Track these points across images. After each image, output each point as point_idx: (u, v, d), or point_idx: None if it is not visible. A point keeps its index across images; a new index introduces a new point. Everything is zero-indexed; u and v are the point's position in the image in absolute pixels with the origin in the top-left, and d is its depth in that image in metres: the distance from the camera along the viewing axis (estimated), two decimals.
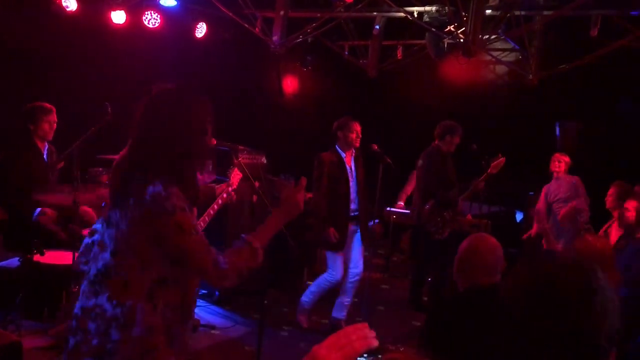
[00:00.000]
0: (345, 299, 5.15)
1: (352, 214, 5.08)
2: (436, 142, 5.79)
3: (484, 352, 2.23)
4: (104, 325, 1.93)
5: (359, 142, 5.06)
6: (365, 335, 1.12)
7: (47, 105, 4.62)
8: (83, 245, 2.31)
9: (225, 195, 4.00)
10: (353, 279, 5.12)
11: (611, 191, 5.32)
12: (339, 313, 5.17)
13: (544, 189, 6.40)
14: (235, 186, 4.17)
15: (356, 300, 5.36)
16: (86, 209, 4.69)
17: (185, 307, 2.05)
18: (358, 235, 5.16)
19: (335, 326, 5.12)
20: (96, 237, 2.10)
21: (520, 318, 1.28)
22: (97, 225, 2.24)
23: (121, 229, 1.97)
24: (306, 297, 5.21)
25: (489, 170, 5.64)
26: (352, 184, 5.06)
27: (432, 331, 2.42)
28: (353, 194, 5.07)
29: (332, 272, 5.04)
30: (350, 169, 5.09)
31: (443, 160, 5.75)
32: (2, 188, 4.51)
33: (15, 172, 4.47)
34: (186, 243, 1.96)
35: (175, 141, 2.03)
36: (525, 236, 6.56)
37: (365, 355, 1.19)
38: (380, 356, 1.23)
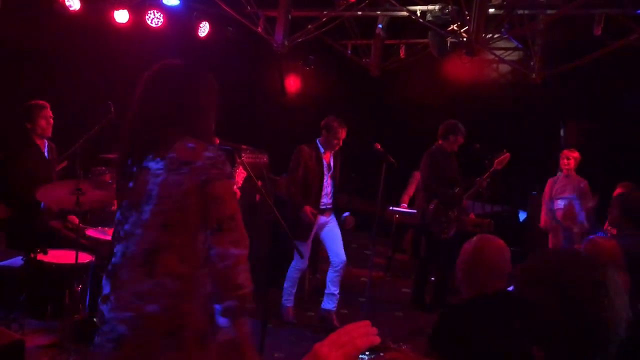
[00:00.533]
0: (333, 289, 5.24)
1: (325, 206, 5.24)
2: (439, 141, 5.80)
3: (495, 357, 2.21)
4: (171, 302, 1.90)
5: (338, 147, 5.22)
6: (367, 333, 1.10)
7: (41, 102, 4.65)
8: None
9: None
10: (337, 268, 5.22)
11: (618, 192, 5.28)
12: (329, 304, 5.26)
13: (550, 182, 6.38)
14: (240, 184, 4.19)
15: (361, 299, 5.36)
16: (72, 218, 4.71)
17: None
18: (335, 226, 5.30)
19: (325, 317, 5.23)
20: (131, 216, 2.01)
21: (530, 307, 1.28)
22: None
23: (173, 199, 1.92)
24: (284, 298, 5.32)
25: (494, 166, 5.65)
26: (327, 179, 5.23)
27: (439, 340, 2.32)
28: (328, 188, 5.24)
29: (299, 259, 5.14)
30: (328, 164, 5.24)
31: (446, 160, 5.77)
32: (5, 187, 4.52)
33: (17, 171, 4.48)
34: (236, 208, 1.98)
35: (192, 111, 2.06)
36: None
37: (367, 352, 1.17)
38: (382, 354, 1.21)
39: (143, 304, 1.91)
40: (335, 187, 5.32)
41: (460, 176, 5.87)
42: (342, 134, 5.14)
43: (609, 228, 5.14)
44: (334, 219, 5.33)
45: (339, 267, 5.22)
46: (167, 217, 1.94)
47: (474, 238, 2.54)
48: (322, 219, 5.24)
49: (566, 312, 1.23)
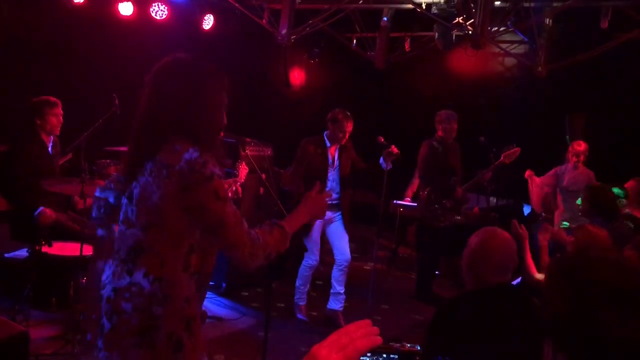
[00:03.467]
0: (339, 288, 5.14)
1: (330, 201, 5.01)
2: (437, 131, 5.83)
3: (494, 349, 2.21)
4: (143, 303, 1.90)
5: (344, 141, 5.08)
6: (368, 333, 1.03)
7: (52, 98, 4.60)
8: (95, 209, 2.21)
9: (234, 188, 4.00)
10: (341, 267, 5.12)
11: (630, 185, 5.25)
12: (335, 304, 5.15)
13: (556, 170, 6.35)
14: (242, 180, 4.16)
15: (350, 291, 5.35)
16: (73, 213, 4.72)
17: (203, 273, 2.07)
18: (340, 224, 5.16)
19: (331, 318, 5.13)
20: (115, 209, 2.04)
21: (549, 307, 1.24)
22: (102, 194, 2.19)
23: (152, 201, 1.90)
24: (297, 296, 5.25)
25: (500, 159, 5.57)
26: (332, 174, 5.08)
27: (440, 330, 2.30)
28: (332, 184, 5.07)
29: (309, 256, 5.09)
30: (333, 159, 5.10)
31: (445, 150, 5.75)
32: (9, 181, 4.53)
33: (22, 165, 4.48)
34: (223, 212, 1.91)
35: (196, 110, 1.99)
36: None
37: (369, 354, 1.12)
38: (384, 355, 1.16)
39: (119, 300, 1.92)
40: (342, 182, 5.14)
41: (461, 167, 5.87)
42: (348, 126, 5.00)
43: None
44: (340, 215, 5.18)
45: (343, 266, 5.12)
46: (146, 219, 1.93)
47: (480, 231, 2.47)
48: (327, 214, 5.12)
49: (579, 315, 1.20)
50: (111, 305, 1.94)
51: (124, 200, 2.00)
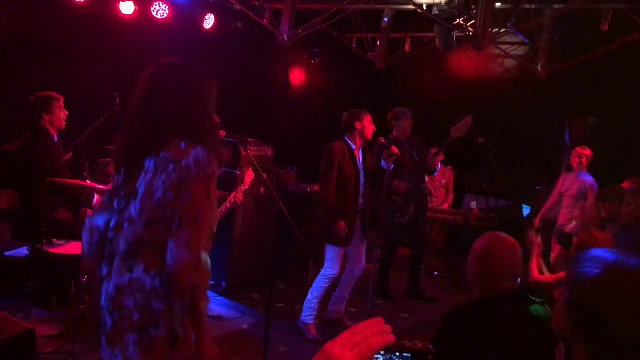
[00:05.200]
0: (345, 293, 5.01)
1: (360, 207, 4.90)
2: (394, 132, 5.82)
3: (507, 357, 2.19)
4: (144, 298, 1.92)
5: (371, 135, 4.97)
6: (381, 331, 1.03)
7: (54, 93, 4.66)
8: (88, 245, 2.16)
9: (235, 194, 3.97)
10: (356, 275, 4.99)
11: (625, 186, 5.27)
12: (338, 306, 5.06)
13: (561, 179, 6.39)
14: (247, 186, 4.10)
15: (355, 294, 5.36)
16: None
17: None
18: (360, 231, 4.96)
19: (333, 318, 5.06)
20: (115, 214, 2.04)
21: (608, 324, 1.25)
22: (93, 222, 2.16)
23: (156, 197, 1.94)
24: (305, 313, 4.85)
25: (450, 135, 5.32)
26: (361, 178, 4.89)
27: (449, 338, 2.27)
28: (362, 189, 4.89)
29: (331, 267, 4.81)
30: (359, 161, 4.92)
31: (400, 149, 5.58)
32: (17, 177, 4.54)
33: (30, 161, 4.49)
34: (204, 210, 1.92)
35: (196, 110, 2.07)
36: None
37: (382, 352, 1.12)
38: (397, 354, 1.15)
39: (121, 297, 1.95)
40: (367, 185, 4.92)
41: (415, 163, 5.72)
42: (370, 118, 4.92)
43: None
44: (362, 222, 4.96)
45: (357, 274, 4.96)
46: (149, 214, 1.95)
47: (484, 236, 2.44)
48: (358, 221, 4.90)
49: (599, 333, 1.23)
50: (112, 302, 1.97)
51: (122, 198, 2.03)
